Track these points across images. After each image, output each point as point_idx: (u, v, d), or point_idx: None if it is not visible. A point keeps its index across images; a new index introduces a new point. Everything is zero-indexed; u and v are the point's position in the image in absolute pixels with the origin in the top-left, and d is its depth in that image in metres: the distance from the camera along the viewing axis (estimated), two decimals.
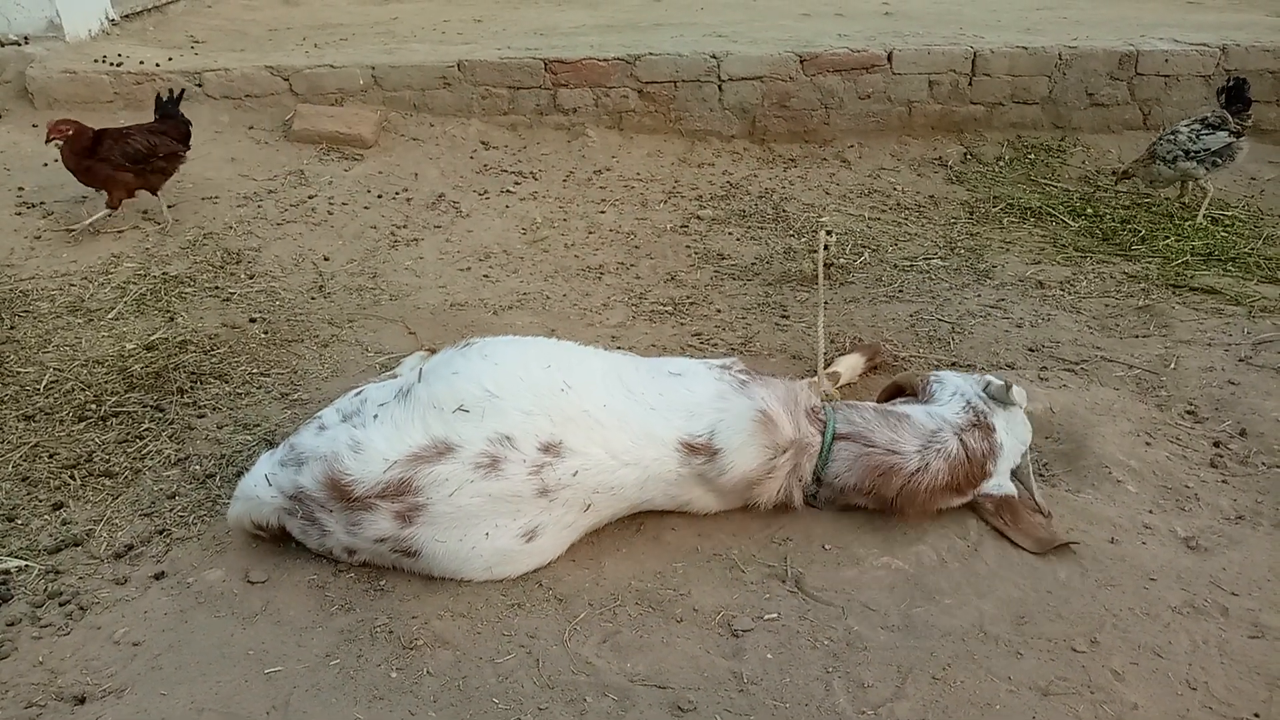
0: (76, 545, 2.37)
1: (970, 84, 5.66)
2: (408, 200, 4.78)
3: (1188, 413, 2.96)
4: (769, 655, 2.07)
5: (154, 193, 4.22)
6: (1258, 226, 4.56)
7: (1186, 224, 4.54)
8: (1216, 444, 2.79)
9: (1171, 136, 4.59)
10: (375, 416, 2.21)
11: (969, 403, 2.53)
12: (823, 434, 2.42)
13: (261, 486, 2.23)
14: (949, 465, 2.40)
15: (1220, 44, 5.71)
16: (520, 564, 2.24)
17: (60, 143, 3.92)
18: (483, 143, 5.42)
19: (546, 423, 2.18)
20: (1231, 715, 1.91)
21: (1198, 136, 4.52)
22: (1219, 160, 4.52)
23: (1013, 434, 2.53)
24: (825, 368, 3.04)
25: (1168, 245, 4.29)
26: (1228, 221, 4.60)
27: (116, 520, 2.47)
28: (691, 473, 2.33)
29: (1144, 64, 5.67)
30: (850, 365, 3.12)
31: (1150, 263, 4.13)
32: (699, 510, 2.45)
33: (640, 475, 2.27)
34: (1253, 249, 4.25)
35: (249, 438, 2.81)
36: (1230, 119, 4.52)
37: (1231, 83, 4.63)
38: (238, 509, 2.30)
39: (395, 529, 2.13)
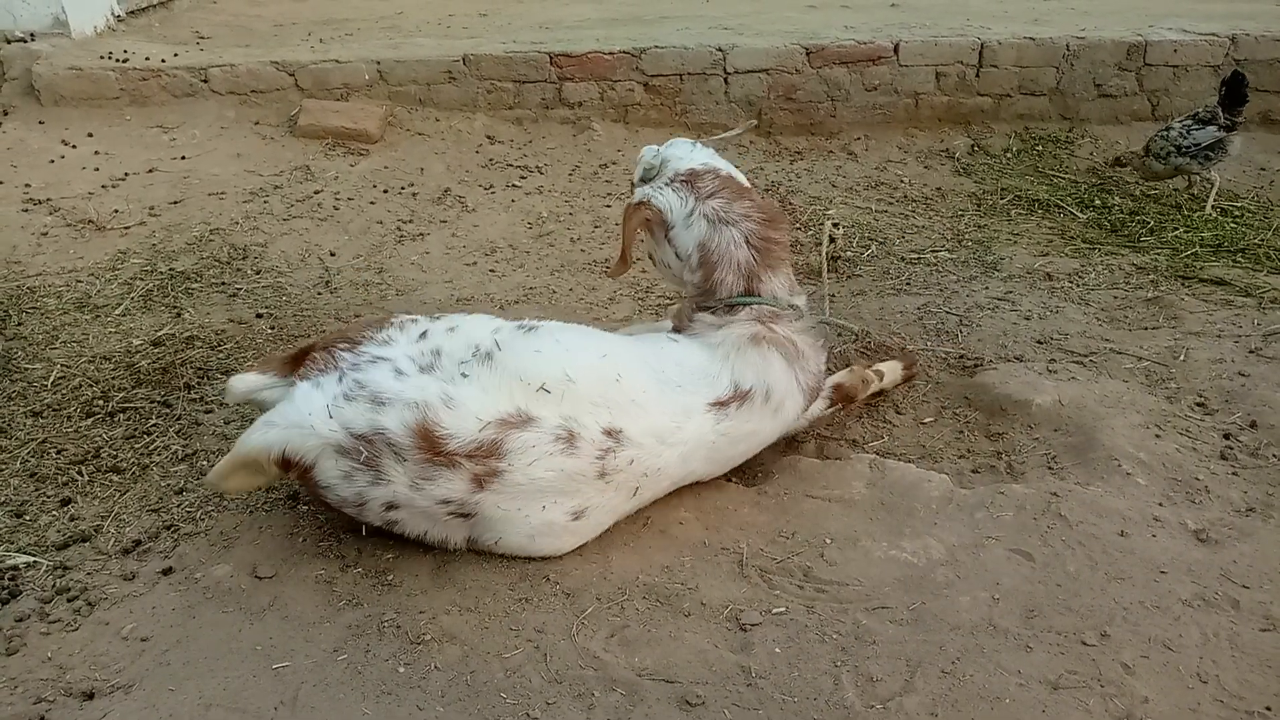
0: (84, 541, 2.38)
1: (977, 75, 5.64)
2: (413, 195, 4.77)
3: (1197, 405, 2.94)
4: (777, 649, 2.06)
5: None
6: (1267, 217, 4.53)
7: (1195, 215, 4.52)
8: (1227, 436, 2.77)
9: (1165, 133, 4.64)
10: (464, 375, 2.17)
11: None
12: None
13: (319, 416, 2.09)
14: None
15: (1230, 33, 5.67)
16: (560, 541, 2.27)
17: None
18: (488, 137, 5.41)
19: (607, 414, 2.23)
20: (1243, 709, 1.90)
21: (1188, 132, 4.56)
22: (1211, 155, 4.53)
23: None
24: (869, 367, 3.04)
25: (1176, 237, 4.27)
26: (1237, 213, 4.57)
27: (124, 516, 2.47)
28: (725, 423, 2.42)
29: (1152, 54, 5.64)
30: (891, 371, 3.08)
31: (1159, 254, 4.10)
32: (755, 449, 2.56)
33: (682, 452, 2.35)
34: (1262, 240, 4.22)
35: None
36: (1220, 114, 4.52)
37: (1228, 77, 4.60)
38: (272, 436, 2.10)
39: (466, 492, 2.12)
